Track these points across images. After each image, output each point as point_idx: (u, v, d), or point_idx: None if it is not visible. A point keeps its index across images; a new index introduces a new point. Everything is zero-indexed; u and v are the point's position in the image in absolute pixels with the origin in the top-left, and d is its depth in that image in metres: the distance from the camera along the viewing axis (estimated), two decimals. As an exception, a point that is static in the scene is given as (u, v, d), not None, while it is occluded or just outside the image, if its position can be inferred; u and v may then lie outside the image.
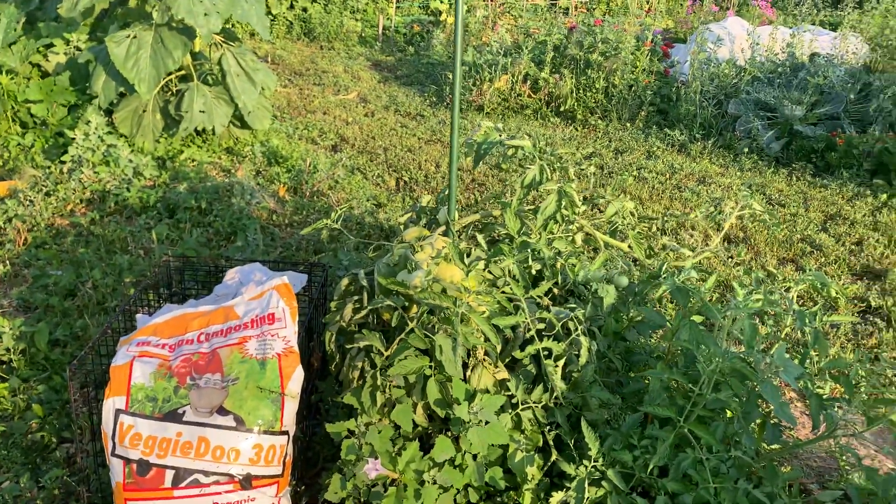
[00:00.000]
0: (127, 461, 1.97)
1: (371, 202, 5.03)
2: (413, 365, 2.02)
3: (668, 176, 5.77)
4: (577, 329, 2.07)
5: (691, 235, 4.42)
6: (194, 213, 4.48)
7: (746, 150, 6.32)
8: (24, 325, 3.10)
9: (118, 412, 2.01)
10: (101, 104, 5.30)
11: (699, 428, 2.04)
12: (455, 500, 2.19)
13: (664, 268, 2.24)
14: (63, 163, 5.03)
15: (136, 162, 5.01)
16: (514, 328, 2.15)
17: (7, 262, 3.98)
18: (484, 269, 2.11)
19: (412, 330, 2.02)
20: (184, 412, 2.01)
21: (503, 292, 2.05)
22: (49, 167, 5.02)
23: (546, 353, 2.07)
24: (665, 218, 2.75)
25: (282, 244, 4.36)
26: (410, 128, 6.88)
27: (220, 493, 1.96)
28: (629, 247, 2.47)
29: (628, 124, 7.16)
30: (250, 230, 4.12)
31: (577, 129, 7.10)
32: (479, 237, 2.20)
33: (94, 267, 3.80)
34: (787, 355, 2.23)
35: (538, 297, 2.11)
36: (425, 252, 2.19)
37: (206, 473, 1.96)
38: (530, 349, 2.05)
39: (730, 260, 4.25)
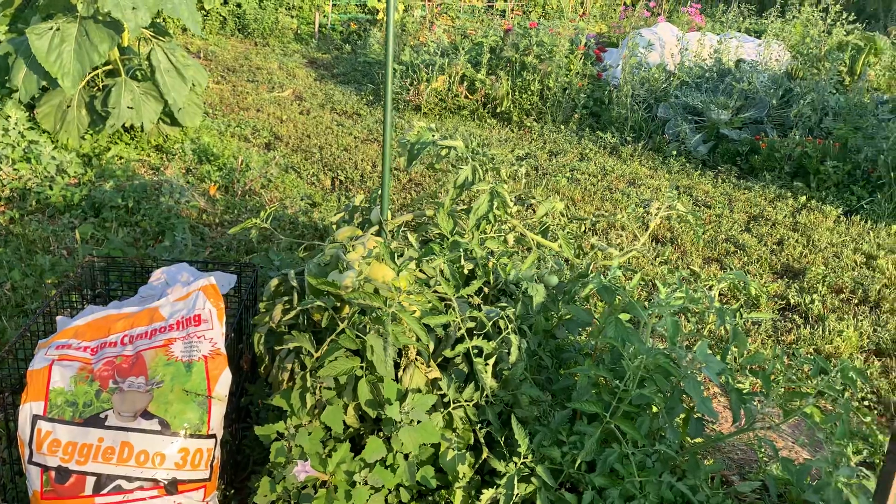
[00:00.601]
0: (45, 468, 1.90)
1: (305, 201, 4.98)
2: (344, 366, 2.01)
3: (599, 177, 5.89)
4: (507, 327, 2.10)
5: (620, 235, 4.52)
6: (121, 212, 4.36)
7: (675, 152, 6.50)
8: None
9: (35, 418, 1.94)
10: (21, 98, 5.09)
11: (625, 423, 2.09)
12: (386, 500, 2.19)
13: (592, 267, 2.29)
14: (-21, 159, 4.81)
15: (59, 159, 4.84)
16: (445, 327, 2.17)
17: (-82, 262, 3.78)
18: (416, 269, 2.11)
19: (343, 330, 2.01)
20: (106, 417, 1.95)
21: (435, 291, 2.06)
22: (-36, 164, 4.80)
23: (476, 351, 2.09)
24: (595, 218, 2.81)
25: (212, 244, 4.27)
26: (347, 126, 6.84)
27: (144, 500, 1.91)
28: (559, 246, 2.52)
29: (562, 126, 7.27)
30: (179, 230, 4.03)
31: (512, 131, 7.18)
32: (411, 237, 2.20)
33: (13, 268, 3.65)
34: (710, 351, 2.31)
35: (469, 296, 2.13)
36: (357, 252, 2.18)
37: (129, 479, 1.91)
38: (461, 347, 2.06)
39: (656, 259, 4.38)
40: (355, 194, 5.22)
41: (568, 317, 2.38)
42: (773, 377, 2.45)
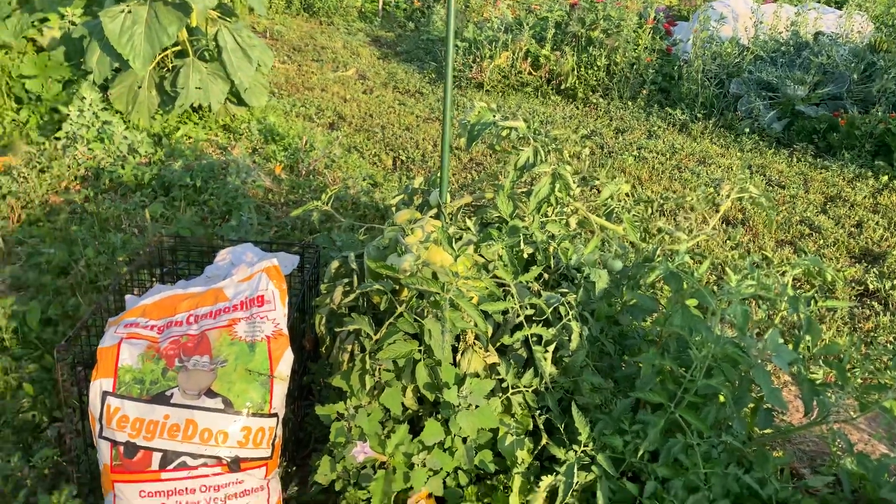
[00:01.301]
0: (114, 443, 1.96)
1: (367, 181, 4.99)
2: (402, 349, 2.00)
3: (668, 156, 5.73)
4: (568, 314, 2.05)
5: (689, 218, 4.39)
6: (189, 191, 4.45)
7: (748, 130, 6.27)
8: (15, 303, 3.09)
9: (105, 394, 2.00)
10: (95, 80, 5.25)
11: (690, 414, 2.03)
12: (445, 482, 2.19)
13: (658, 251, 2.22)
14: (58, 139, 4.99)
15: (130, 139, 4.97)
16: (504, 313, 2.14)
17: (0, 239, 3.96)
18: (474, 254, 2.08)
19: (401, 314, 2.00)
20: (171, 394, 1.99)
21: (494, 277, 2.03)
22: (43, 143, 4.99)
23: (536, 339, 2.05)
24: (662, 200, 2.72)
25: (277, 223, 4.33)
26: (409, 105, 6.83)
27: (207, 476, 1.96)
28: (624, 230, 2.45)
29: (629, 103, 7.09)
30: (245, 209, 4.10)
31: (577, 108, 7.04)
32: (469, 221, 2.17)
33: (88, 245, 3.78)
34: (781, 340, 2.22)
35: (529, 282, 2.09)
36: (415, 235, 2.16)
37: (193, 456, 1.95)
38: (519, 335, 2.03)
39: (726, 243, 4.23)
40: (416, 174, 5.21)
41: (632, 303, 2.32)
42: (849, 368, 2.34)
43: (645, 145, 5.95)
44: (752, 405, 2.35)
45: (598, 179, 2.50)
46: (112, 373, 2.02)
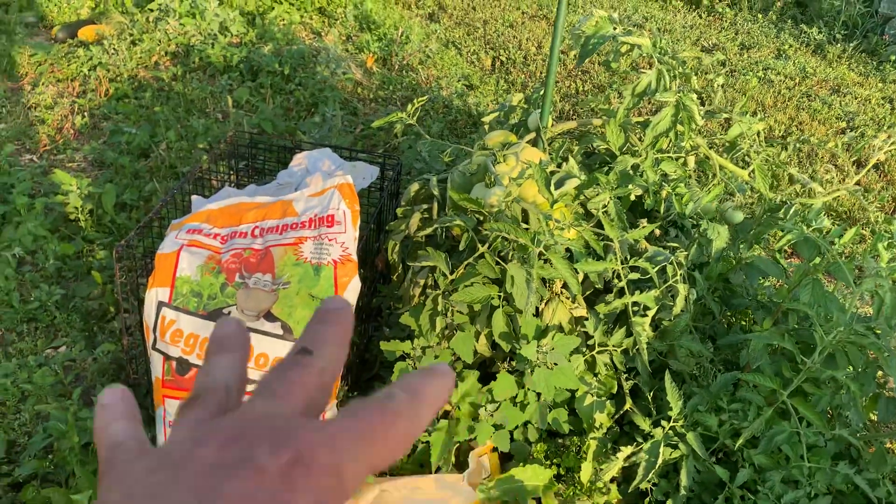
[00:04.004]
0: (167, 357, 1.85)
1: (462, 83, 4.67)
2: (479, 293, 1.78)
3: (797, 80, 5.13)
4: (675, 274, 1.77)
5: (828, 170, 3.87)
6: (277, 78, 4.25)
7: (893, 57, 5.54)
8: (91, 184, 3.01)
9: (161, 304, 1.87)
10: (191, -50, 5.01)
11: (802, 403, 1.76)
12: (512, 434, 2.02)
13: (792, 209, 1.89)
14: (150, 10, 4.84)
15: (222, 16, 4.77)
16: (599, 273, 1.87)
17: (87, 112, 3.89)
18: (576, 197, 1.81)
19: (482, 255, 1.76)
20: (229, 312, 1.85)
21: (595, 225, 1.75)
22: (136, 15, 4.84)
23: (636, 307, 1.79)
24: (799, 143, 2.34)
25: (363, 121, 4.10)
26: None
27: (260, 403, 1.83)
28: (750, 175, 2.11)
29: (760, 16, 6.38)
30: (331, 104, 3.87)
31: (700, 16, 6.39)
32: (573, 159, 1.88)
33: (170, 127, 3.66)
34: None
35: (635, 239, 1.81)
36: (508, 164, 1.89)
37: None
38: (618, 303, 1.77)
39: (872, 201, 3.72)
40: (516, 78, 4.84)
41: (749, 261, 2.01)
42: None
43: (772, 66, 5.34)
44: (872, 394, 2.05)
45: (726, 113, 2.13)
46: (169, 282, 1.89)
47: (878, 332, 1.78)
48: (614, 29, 2.06)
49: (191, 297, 1.87)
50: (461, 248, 1.74)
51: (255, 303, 1.86)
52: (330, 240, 1.91)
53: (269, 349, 1.82)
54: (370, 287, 2.43)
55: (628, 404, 1.97)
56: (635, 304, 1.79)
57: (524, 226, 1.80)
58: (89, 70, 4.28)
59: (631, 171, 1.92)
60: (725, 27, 6.14)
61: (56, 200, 3.00)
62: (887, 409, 2.03)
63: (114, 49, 4.45)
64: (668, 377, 1.84)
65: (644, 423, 1.90)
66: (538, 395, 1.93)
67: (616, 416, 2.01)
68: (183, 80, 4.27)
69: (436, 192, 1.93)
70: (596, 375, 1.96)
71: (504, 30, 5.62)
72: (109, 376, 2.31)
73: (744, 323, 2.38)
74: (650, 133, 1.95)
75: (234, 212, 2.04)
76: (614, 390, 1.98)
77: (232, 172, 2.78)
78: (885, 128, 4.51)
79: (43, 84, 4.12)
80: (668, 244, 1.85)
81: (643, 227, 1.76)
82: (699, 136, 2.19)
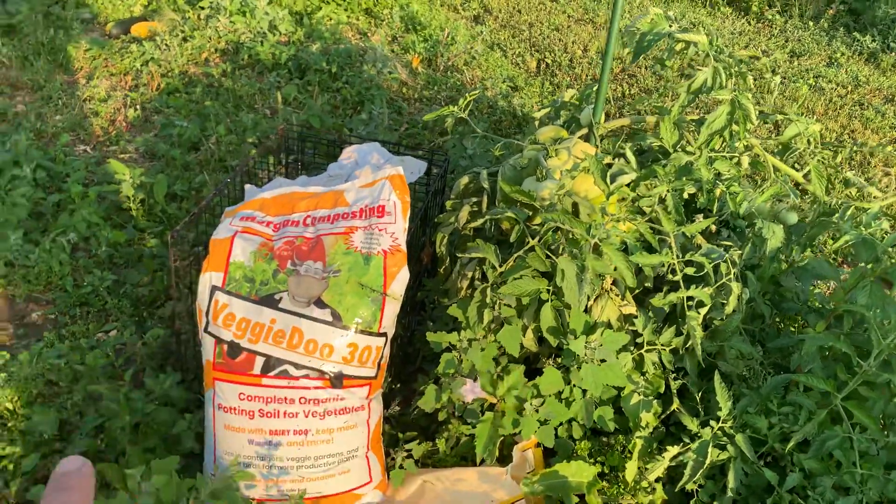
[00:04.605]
0: (219, 341, 1.88)
1: (507, 84, 4.67)
2: (529, 286, 1.78)
3: (849, 89, 5.03)
4: (729, 273, 1.75)
5: (887, 174, 3.78)
6: (324, 76, 4.30)
7: (951, 67, 5.41)
8: (143, 174, 3.08)
9: (214, 288, 1.90)
10: (243, -51, 5.10)
11: (857, 408, 1.72)
12: (556, 430, 2.01)
13: (848, 212, 1.85)
14: (202, 8, 4.93)
15: (272, 15, 4.84)
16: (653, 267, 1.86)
17: (139, 106, 3.98)
18: (631, 190, 1.80)
19: (532, 248, 1.76)
20: (280, 298, 1.88)
21: (649, 220, 1.74)
22: (188, 12, 4.94)
23: (690, 302, 1.77)
24: (856, 147, 2.30)
25: (408, 120, 4.13)
26: (561, 3, 6.33)
27: (308, 388, 1.85)
28: (805, 178, 2.07)
29: (811, 23, 6.28)
30: (377, 102, 3.90)
31: (749, 23, 6.31)
32: (629, 152, 1.87)
33: (220, 122, 3.72)
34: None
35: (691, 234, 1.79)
36: (560, 158, 1.89)
37: (296, 366, 1.84)
38: (673, 297, 1.75)
39: None
40: (561, 80, 4.83)
41: (803, 264, 1.97)
42: None
43: (823, 74, 5.25)
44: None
45: (782, 114, 2.10)
46: (223, 267, 1.92)
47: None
48: (670, 26, 2.05)
49: (244, 282, 1.90)
50: (511, 240, 1.75)
51: (306, 289, 1.88)
52: (380, 230, 1.92)
53: (318, 335, 1.84)
54: (415, 281, 2.44)
55: (675, 404, 1.95)
56: (689, 299, 1.77)
57: (590, 220, 1.80)
58: (141, 65, 4.38)
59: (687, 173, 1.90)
60: (775, 34, 6.05)
61: (109, 189, 3.07)
62: (944, 419, 1.97)
63: (165, 45, 4.54)
64: (717, 377, 1.82)
65: (692, 424, 1.88)
66: (584, 391, 1.92)
67: (662, 416, 1.99)
68: (232, 76, 4.34)
69: (486, 186, 1.94)
70: (643, 374, 1.94)
71: (550, 33, 5.61)
72: (158, 360, 2.35)
73: (794, 328, 2.34)
74: (705, 130, 1.93)
75: (287, 201, 2.07)
76: (661, 390, 1.96)
77: (281, 166, 2.82)
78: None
79: (97, 78, 4.23)
80: (722, 243, 1.83)
81: (700, 222, 1.74)
82: (753, 137, 2.16)
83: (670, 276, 1.75)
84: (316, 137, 2.83)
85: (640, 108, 4.05)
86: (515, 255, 1.80)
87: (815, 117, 4.54)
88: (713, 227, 1.96)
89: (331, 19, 5.28)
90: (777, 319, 2.28)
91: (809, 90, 4.93)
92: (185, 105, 3.95)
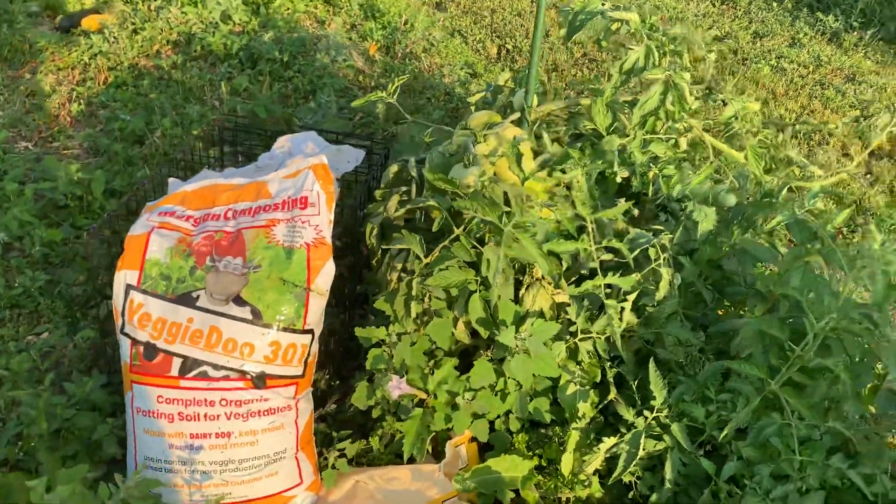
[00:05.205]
0: (134, 342, 1.81)
1: (466, 71, 4.59)
2: (455, 277, 1.71)
3: (811, 69, 5.00)
4: (658, 258, 1.69)
5: (826, 151, 3.77)
6: (276, 65, 4.20)
7: (913, 45, 5.39)
8: (81, 170, 2.98)
9: (129, 287, 1.83)
10: (194, -62, 4.97)
11: (793, 395, 1.67)
12: (493, 423, 1.95)
13: (784, 189, 1.80)
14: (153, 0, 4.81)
15: (224, 5, 4.73)
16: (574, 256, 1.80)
17: (85, 100, 3.86)
18: (551, 174, 1.73)
19: (458, 237, 1.70)
20: (198, 296, 1.80)
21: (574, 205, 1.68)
22: (138, 3, 4.82)
23: (611, 290, 1.71)
24: (798, 123, 2.25)
25: (362, 111, 4.04)
26: (524, -12, 6.24)
27: (229, 389, 1.78)
28: (745, 157, 2.02)
29: (775, 3, 6.24)
30: (325, 91, 3.81)
31: (714, 5, 6.25)
32: (546, 134, 1.80)
33: (166, 115, 3.62)
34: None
35: (611, 218, 1.72)
36: (488, 144, 1.82)
37: (215, 367, 1.77)
38: (588, 285, 1.69)
39: (874, 185, 3.60)
40: (520, 66, 4.76)
41: (739, 247, 1.92)
42: None
43: (785, 54, 5.21)
44: (871, 385, 1.96)
45: (720, 92, 2.05)
46: (139, 265, 1.84)
47: (876, 319, 1.69)
48: (603, 4, 1.98)
49: (160, 280, 1.82)
50: (434, 229, 1.68)
51: (225, 287, 1.80)
52: (303, 222, 1.85)
53: (237, 334, 1.77)
54: (356, 273, 2.37)
55: (612, 394, 1.90)
56: (610, 286, 1.71)
57: (505, 208, 1.73)
58: (89, 59, 4.26)
59: (616, 153, 1.84)
60: (739, 15, 6.01)
61: (45, 187, 2.97)
62: (887, 401, 1.94)
63: (114, 38, 4.42)
64: (651, 365, 1.77)
65: (628, 414, 1.83)
66: (520, 383, 1.87)
67: (600, 406, 1.93)
68: (183, 68, 4.24)
69: (413, 174, 1.87)
70: (579, 363, 1.89)
71: (512, 18, 5.53)
72: (88, 362, 2.27)
73: (742, 312, 2.30)
74: (637, 112, 1.87)
75: (209, 194, 1.99)
76: (598, 379, 1.91)
77: (214, 160, 2.73)
78: (900, 116, 4.37)
79: (42, 72, 4.10)
80: (653, 227, 1.77)
81: (619, 206, 1.68)
82: (695, 117, 2.11)
83: (591, 264, 1.69)
84: (260, 128, 2.75)
85: (577, 91, 3.99)
86: (441, 246, 1.73)
87: (775, 98, 4.50)
88: (636, 212, 1.89)
89: (288, 8, 5.17)
90: (726, 303, 2.23)
91: (771, 71, 4.89)
92: (132, 98, 3.84)
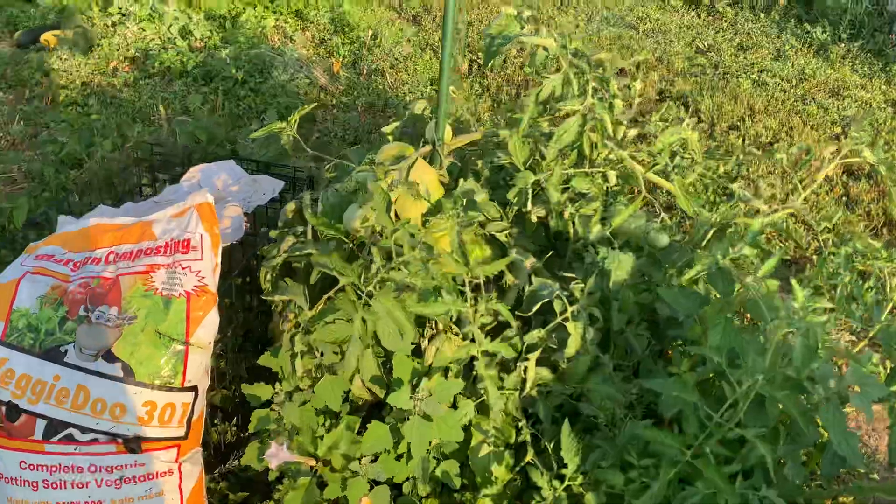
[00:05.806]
0: (-4, 401, 1.64)
1: (432, 87, 4.43)
2: (341, 332, 1.55)
3: (794, 83, 4.82)
4: (564, 311, 1.52)
5: (772, 185, 3.52)
6: (230, 83, 4.06)
7: (902, 57, 5.20)
8: (5, 198, 2.83)
9: (-7, 341, 1.67)
10: (156, -48, 4.85)
11: (708, 467, 1.49)
12: (401, 486, 1.78)
13: (709, 234, 1.63)
14: (110, 15, 4.68)
15: (183, 21, 4.59)
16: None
17: (27, 120, 3.72)
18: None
19: (343, 287, 1.53)
20: (66, 351, 1.64)
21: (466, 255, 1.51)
22: (94, 19, 4.69)
23: (488, 360, 1.53)
24: (743, 154, 2.08)
25: (320, 129, 3.89)
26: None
27: (98, 455, 1.61)
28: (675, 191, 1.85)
29: (762, 15, 6.06)
30: (271, 112, 3.66)
31: (699, 16, 6.09)
32: (471, 177, 1.62)
33: (107, 136, 3.48)
34: (874, 367, 1.64)
35: (490, 275, 1.55)
36: (388, 180, 1.65)
37: (82, 429, 1.61)
38: (461, 353, 1.52)
39: (824, 221, 3.34)
40: (490, 82, 4.60)
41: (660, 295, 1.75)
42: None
43: (769, 68, 5.03)
44: (817, 443, 1.78)
45: (647, 122, 1.88)
46: (5, 315, 1.68)
47: (810, 375, 1.51)
48: (521, 28, 1.82)
49: (27, 332, 1.66)
50: (311, 281, 1.51)
51: (96, 340, 1.64)
52: (184, 268, 1.69)
53: (106, 394, 1.61)
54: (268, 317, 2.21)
55: (529, 455, 1.72)
56: (486, 355, 1.54)
57: (400, 259, 1.56)
58: (42, 76, 4.13)
59: (531, 189, 1.67)
60: (724, 27, 5.83)
61: (-36, 216, 2.82)
62: (833, 463, 1.75)
63: (69, 55, 4.29)
64: (565, 428, 1.60)
65: (542, 481, 1.65)
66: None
67: (518, 468, 1.76)
68: (136, 86, 4.10)
69: (308, 214, 1.70)
70: (493, 422, 1.71)
71: (486, 32, 5.37)
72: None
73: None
74: (552, 145, 1.70)
75: (94, 234, 1.83)
76: (513, 439, 1.73)
77: (149, 184, 2.58)
78: (883, 133, 4.18)
79: (-11, 92, 3.98)
80: (565, 275, 1.60)
81: (494, 263, 1.50)
82: (627, 147, 1.93)
83: (468, 327, 1.52)
84: (166, 155, 2.58)
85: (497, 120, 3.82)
86: (325, 297, 1.56)
87: (753, 115, 4.32)
88: (577, 254, 1.73)
89: (254, 24, 5.03)
90: (661, 353, 2.05)
91: (752, 85, 4.71)
92: (77, 118, 3.70)
